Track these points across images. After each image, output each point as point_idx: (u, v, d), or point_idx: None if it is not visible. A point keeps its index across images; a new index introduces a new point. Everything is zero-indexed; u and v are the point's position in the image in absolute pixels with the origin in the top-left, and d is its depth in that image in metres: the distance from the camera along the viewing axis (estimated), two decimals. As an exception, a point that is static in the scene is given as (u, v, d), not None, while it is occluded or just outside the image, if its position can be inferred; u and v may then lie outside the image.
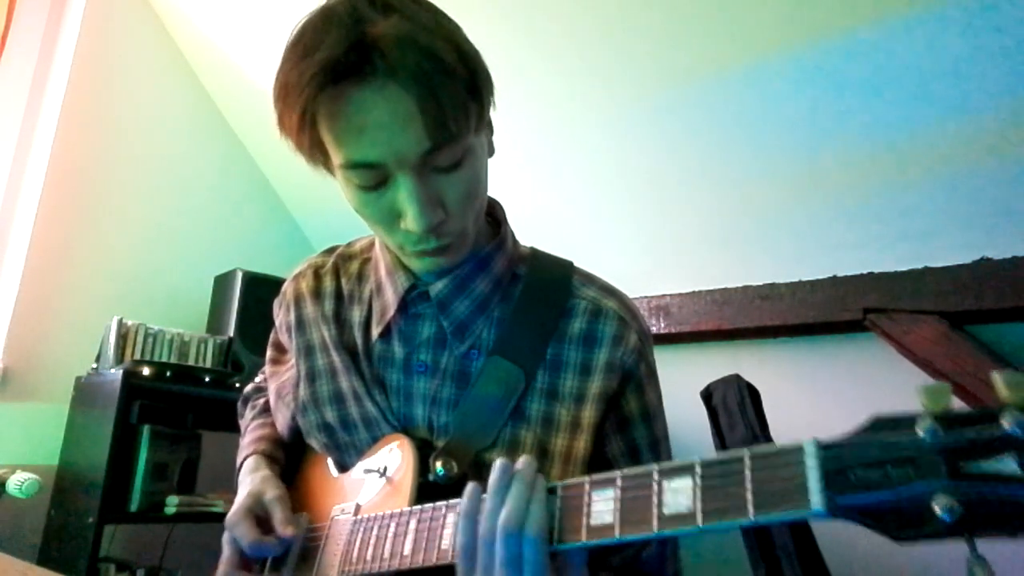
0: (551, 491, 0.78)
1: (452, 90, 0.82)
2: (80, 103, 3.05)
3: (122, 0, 3.25)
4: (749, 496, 0.59)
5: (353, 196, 0.91)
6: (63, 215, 2.97)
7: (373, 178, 0.87)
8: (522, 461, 0.81)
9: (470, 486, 0.82)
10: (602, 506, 0.72)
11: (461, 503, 0.82)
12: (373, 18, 0.81)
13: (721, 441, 1.81)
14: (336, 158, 0.87)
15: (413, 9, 0.84)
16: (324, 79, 0.81)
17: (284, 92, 0.85)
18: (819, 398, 2.29)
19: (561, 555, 0.78)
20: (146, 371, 2.62)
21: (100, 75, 3.15)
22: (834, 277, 2.23)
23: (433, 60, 0.80)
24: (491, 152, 1.00)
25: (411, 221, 0.87)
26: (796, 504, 0.55)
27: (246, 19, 3.00)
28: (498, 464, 0.81)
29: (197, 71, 3.48)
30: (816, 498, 0.54)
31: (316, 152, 0.89)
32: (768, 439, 1.71)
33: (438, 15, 0.87)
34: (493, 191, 1.13)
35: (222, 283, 3.21)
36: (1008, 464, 0.48)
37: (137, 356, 2.76)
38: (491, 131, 0.99)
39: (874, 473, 0.52)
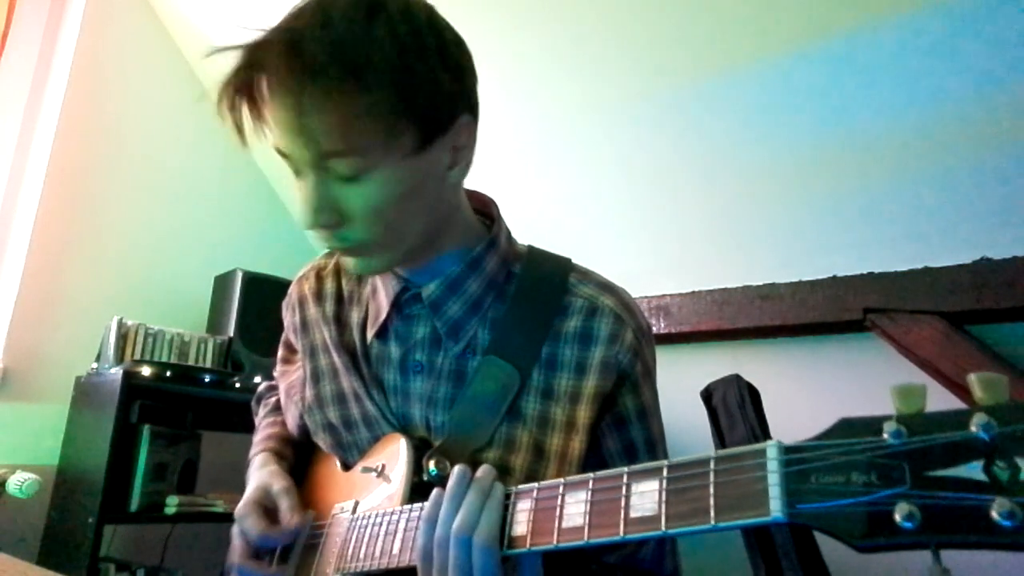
0: (528, 492, 0.78)
1: (328, 108, 0.82)
2: (80, 103, 3.05)
3: (122, 0, 3.25)
4: (711, 501, 0.58)
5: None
6: (63, 215, 2.97)
7: (291, 166, 0.91)
8: (482, 469, 0.83)
9: (435, 491, 0.84)
10: (574, 508, 0.72)
11: (425, 507, 0.84)
12: (300, 22, 0.83)
13: (721, 441, 1.80)
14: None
15: (349, 17, 0.83)
16: (247, 61, 0.86)
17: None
18: (819, 398, 2.28)
19: (515, 558, 0.79)
20: (146, 371, 2.62)
21: (100, 75, 3.15)
22: (834, 277, 2.22)
23: (309, 75, 0.81)
24: (453, 179, 0.97)
25: (299, 214, 0.91)
26: (756, 510, 0.55)
27: (246, 19, 3.00)
28: (456, 471, 0.83)
29: (197, 72, 3.48)
30: (775, 504, 0.53)
31: (240, 129, 0.91)
32: (768, 439, 1.70)
33: (384, 33, 0.83)
34: (495, 191, 1.13)
35: (222, 283, 3.21)
36: (973, 470, 0.46)
37: (137, 356, 2.76)
38: (460, 158, 0.96)
39: (837, 479, 0.51)
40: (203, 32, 3.27)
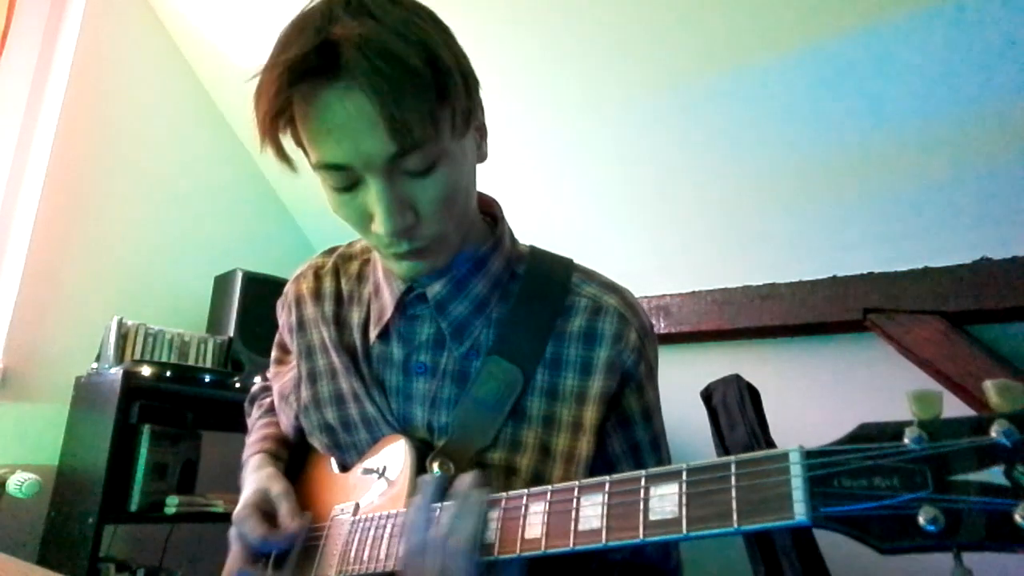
0: (542, 494, 0.78)
1: (416, 95, 0.80)
2: (80, 103, 3.05)
3: (122, 0, 3.25)
4: (733, 504, 0.59)
5: (330, 197, 0.92)
6: (63, 215, 2.97)
7: (344, 179, 0.87)
8: (463, 477, 0.84)
9: (412, 499, 0.85)
10: (590, 511, 0.72)
11: (406, 514, 0.85)
12: (343, 20, 0.80)
13: (721, 441, 1.80)
14: (311, 158, 0.88)
15: (389, 11, 0.82)
16: (289, 78, 0.81)
17: (257, 93, 0.86)
18: (819, 398, 2.28)
19: (496, 562, 0.79)
20: (146, 371, 2.62)
21: (100, 75, 3.14)
22: (834, 277, 2.22)
23: (393, 63, 0.79)
24: (483, 157, 1.00)
25: (378, 224, 0.88)
26: (779, 513, 0.55)
27: (245, 20, 3.01)
28: (424, 480, 0.85)
29: (197, 71, 3.48)
30: (799, 508, 0.54)
31: (281, 152, 0.89)
32: (768, 439, 1.71)
33: (415, 17, 0.84)
34: (496, 191, 1.13)
35: (222, 283, 3.21)
36: (995, 475, 0.47)
37: (137, 356, 2.76)
38: (483, 135, 0.99)
39: (859, 483, 0.52)
40: (203, 32, 3.26)
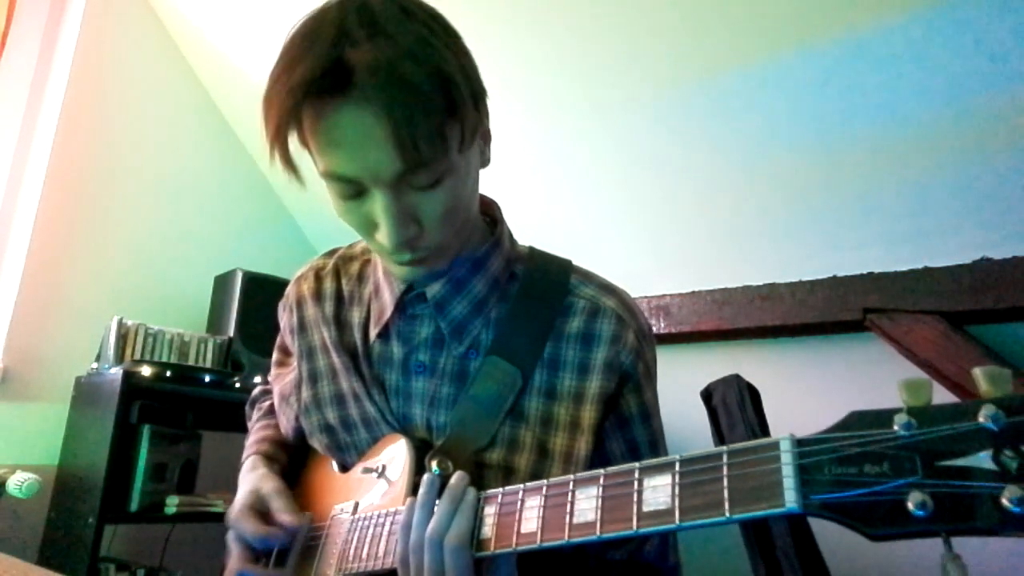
0: (537, 489, 0.79)
1: (425, 117, 0.81)
2: (80, 103, 3.05)
3: (122, 0, 3.26)
4: (725, 493, 0.59)
5: (335, 203, 0.93)
6: (63, 215, 2.97)
7: (351, 189, 0.88)
8: (455, 476, 0.86)
9: (409, 499, 0.87)
10: (585, 504, 0.73)
11: (401, 514, 0.87)
12: (355, 38, 0.80)
13: (721, 441, 1.80)
14: (319, 166, 0.89)
15: (404, 27, 0.82)
16: (300, 97, 0.82)
17: (266, 103, 0.86)
18: (819, 398, 2.28)
19: (490, 559, 0.82)
20: (146, 371, 2.62)
21: (100, 75, 3.15)
22: (834, 277, 2.22)
23: (405, 88, 0.79)
24: (485, 163, 1.00)
25: (383, 236, 0.89)
26: (771, 502, 0.55)
27: (246, 20, 3.01)
28: (425, 479, 0.86)
29: (197, 72, 3.49)
30: (790, 495, 0.54)
31: (289, 164, 0.89)
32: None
33: (429, 32, 0.85)
34: (495, 191, 1.13)
35: (222, 283, 3.21)
36: (983, 459, 0.47)
37: (137, 356, 2.76)
38: (487, 140, 1.00)
39: (849, 470, 0.52)
40: (203, 32, 3.27)
